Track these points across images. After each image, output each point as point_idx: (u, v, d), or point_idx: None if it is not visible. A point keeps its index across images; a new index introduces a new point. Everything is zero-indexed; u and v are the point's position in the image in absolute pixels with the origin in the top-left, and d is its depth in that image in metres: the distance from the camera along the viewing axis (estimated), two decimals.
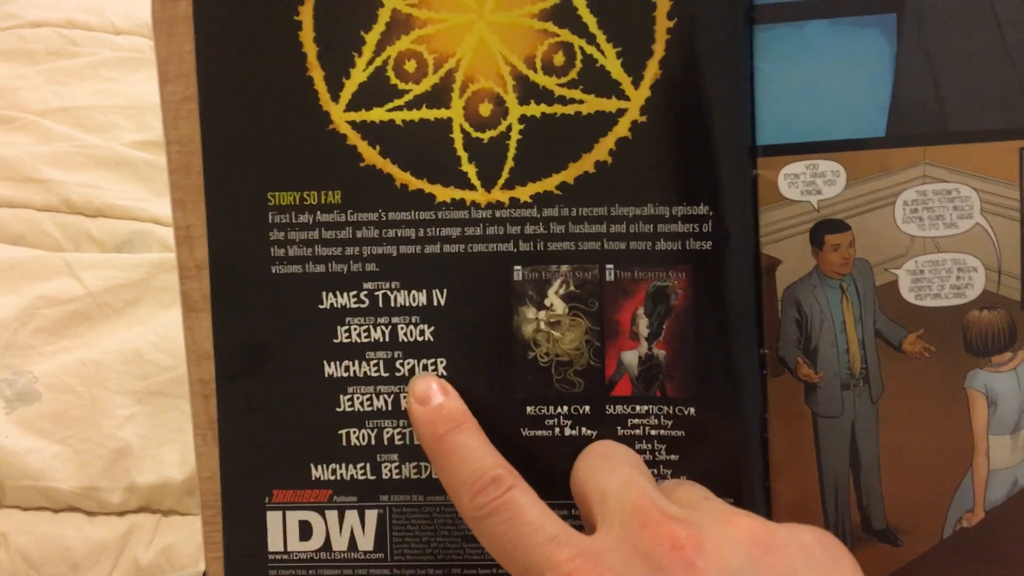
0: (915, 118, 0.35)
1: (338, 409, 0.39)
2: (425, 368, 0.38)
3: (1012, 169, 0.35)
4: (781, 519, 0.37)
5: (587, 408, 0.38)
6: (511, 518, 0.32)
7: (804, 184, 0.36)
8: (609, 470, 0.33)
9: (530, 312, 0.38)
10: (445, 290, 0.38)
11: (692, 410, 0.37)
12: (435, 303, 0.38)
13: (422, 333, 0.38)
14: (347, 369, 0.39)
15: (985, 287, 0.36)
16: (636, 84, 0.36)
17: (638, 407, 0.37)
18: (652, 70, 0.36)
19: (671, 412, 0.37)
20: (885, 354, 0.37)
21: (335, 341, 0.39)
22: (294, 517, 0.39)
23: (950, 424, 0.36)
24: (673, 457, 0.37)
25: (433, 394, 0.37)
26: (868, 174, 0.36)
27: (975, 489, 0.37)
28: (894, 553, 0.37)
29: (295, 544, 0.39)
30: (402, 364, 0.38)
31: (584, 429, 0.38)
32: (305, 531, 0.39)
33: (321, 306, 0.38)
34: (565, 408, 0.38)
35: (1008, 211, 0.35)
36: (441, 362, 0.38)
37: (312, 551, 0.39)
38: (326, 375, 0.39)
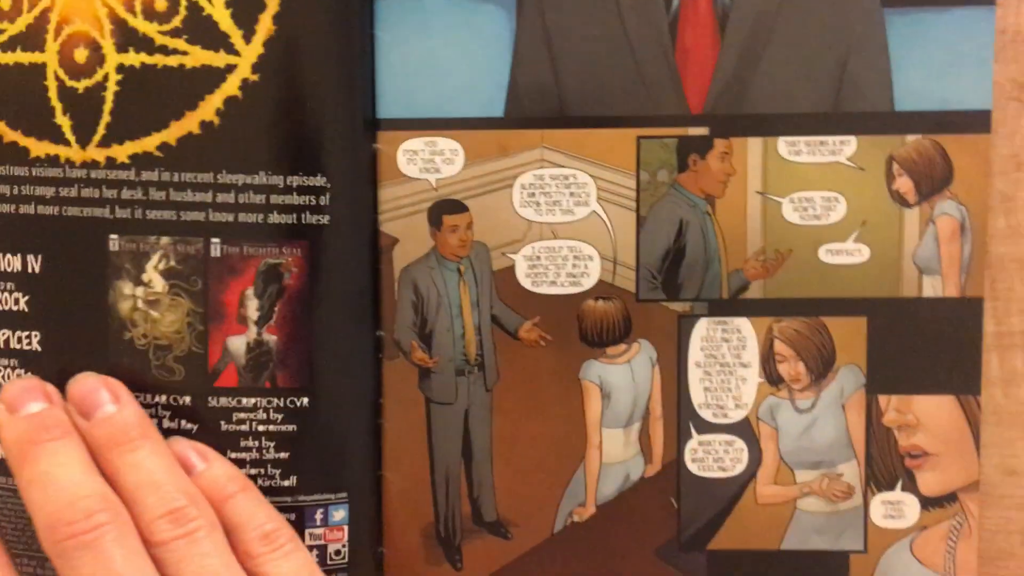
0: (533, 100, 0.34)
1: None
2: (20, 341, 0.35)
3: (629, 158, 0.35)
4: (392, 508, 0.36)
5: (187, 399, 0.34)
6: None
7: (423, 161, 0.34)
8: None
9: (127, 288, 0.34)
10: (40, 256, 0.34)
11: (305, 400, 0.35)
12: (30, 270, 0.34)
13: (16, 302, 0.35)
14: None
15: (601, 277, 0.35)
16: (247, 39, 0.33)
17: (244, 400, 0.35)
18: (265, 24, 0.33)
19: (282, 405, 0.35)
20: (501, 341, 0.36)
21: None
22: None
23: (564, 415, 0.36)
24: (283, 455, 0.35)
25: (30, 402, 0.32)
26: (487, 155, 0.35)
27: (587, 483, 0.36)
28: (503, 546, 0.36)
29: None
30: None
31: (184, 422, 0.34)
32: None
33: None
34: (163, 398, 0.34)
35: (625, 200, 0.35)
36: (36, 335, 0.35)
37: None
38: None
